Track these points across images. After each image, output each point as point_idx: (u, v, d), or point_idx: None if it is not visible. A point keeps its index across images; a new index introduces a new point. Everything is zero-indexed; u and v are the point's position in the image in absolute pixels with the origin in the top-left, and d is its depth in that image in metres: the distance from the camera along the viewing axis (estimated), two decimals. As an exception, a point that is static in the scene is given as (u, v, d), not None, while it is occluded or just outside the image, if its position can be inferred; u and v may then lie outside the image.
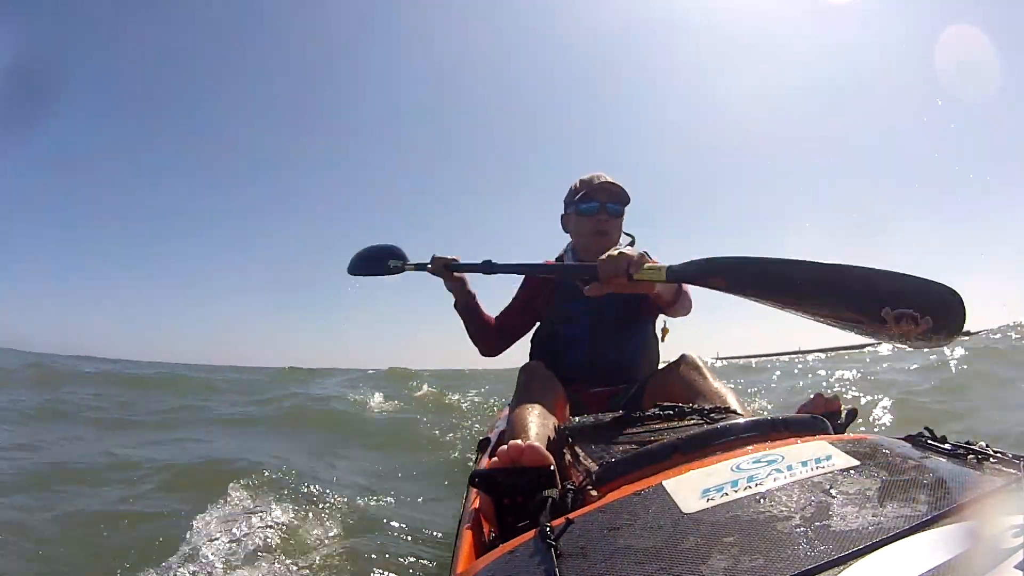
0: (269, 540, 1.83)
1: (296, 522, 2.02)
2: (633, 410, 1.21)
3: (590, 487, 0.82)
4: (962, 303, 0.89)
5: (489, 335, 1.87)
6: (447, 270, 1.76)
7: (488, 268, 1.68)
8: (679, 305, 1.63)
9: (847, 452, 0.69)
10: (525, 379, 1.52)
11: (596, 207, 1.71)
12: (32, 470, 2.83)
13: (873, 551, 0.50)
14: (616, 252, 1.24)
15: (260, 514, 2.03)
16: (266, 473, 2.55)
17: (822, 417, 0.92)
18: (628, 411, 1.20)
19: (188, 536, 1.82)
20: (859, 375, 6.57)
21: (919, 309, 0.89)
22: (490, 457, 1.46)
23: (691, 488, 0.66)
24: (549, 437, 1.19)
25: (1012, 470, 0.65)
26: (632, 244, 1.79)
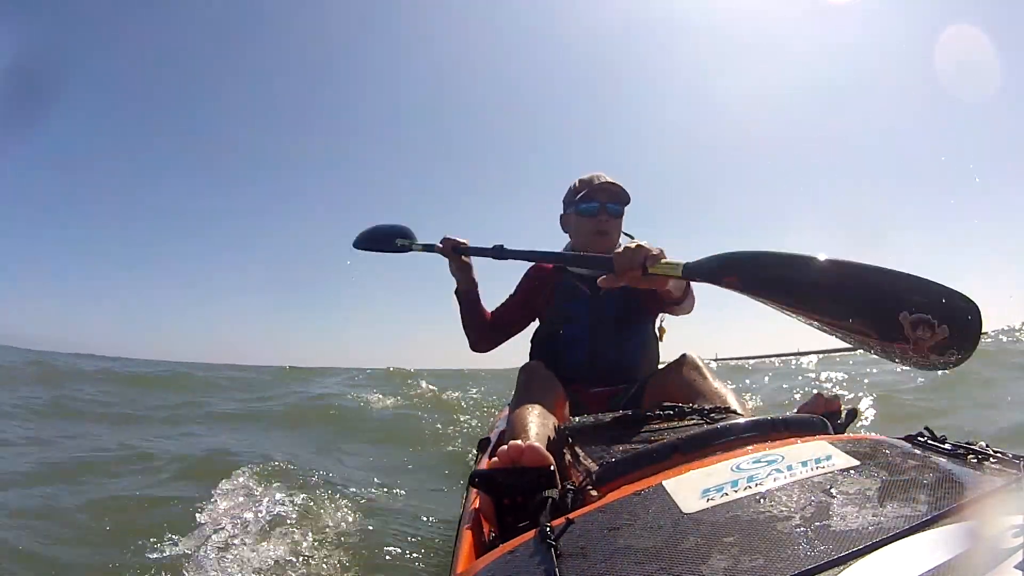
0: (272, 534, 1.89)
1: (298, 519, 2.06)
2: (633, 410, 1.20)
3: (590, 487, 0.82)
4: (979, 314, 0.84)
5: (483, 328, 1.86)
6: (456, 253, 1.75)
7: (499, 253, 1.65)
8: (685, 304, 1.62)
9: (847, 452, 0.69)
10: (525, 379, 1.52)
11: (596, 207, 1.71)
12: (55, 462, 3.03)
13: (873, 551, 0.50)
14: (634, 244, 1.22)
15: (264, 507, 2.12)
16: (270, 467, 2.67)
17: (822, 417, 0.92)
18: (628, 411, 1.20)
19: (201, 519, 1.99)
20: (846, 376, 6.63)
21: (936, 316, 0.84)
22: (490, 457, 1.46)
23: (691, 488, 0.66)
24: (549, 437, 1.19)
25: (1012, 470, 0.65)
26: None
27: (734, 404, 1.26)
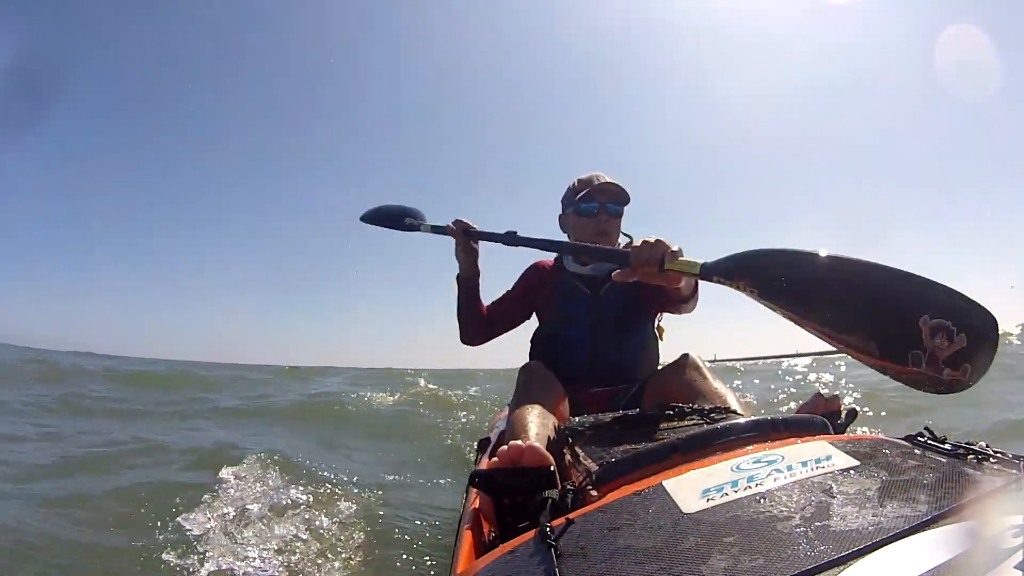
0: (274, 528, 1.98)
1: (300, 516, 2.11)
2: (633, 410, 1.20)
3: (590, 487, 0.82)
4: (997, 328, 0.81)
5: (479, 320, 1.82)
6: (466, 236, 1.70)
7: (511, 239, 1.60)
8: (690, 303, 1.62)
9: (847, 452, 0.69)
10: (525, 379, 1.51)
11: (596, 207, 1.71)
12: (74, 455, 3.25)
13: (873, 551, 0.50)
14: (653, 239, 1.19)
15: (268, 500, 2.26)
16: (274, 460, 2.86)
17: (822, 417, 0.92)
18: (628, 411, 1.20)
19: (213, 505, 2.18)
20: (834, 376, 6.67)
21: (956, 323, 0.82)
22: (490, 457, 1.46)
23: (691, 488, 0.66)
24: (549, 437, 1.19)
25: (1012, 470, 0.65)
26: (630, 244, 1.78)
27: (734, 404, 1.26)
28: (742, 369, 10.95)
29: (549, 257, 1.88)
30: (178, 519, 2.02)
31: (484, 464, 1.55)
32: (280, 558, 1.77)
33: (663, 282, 1.21)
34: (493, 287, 1.88)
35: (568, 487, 0.84)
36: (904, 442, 0.77)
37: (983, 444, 0.72)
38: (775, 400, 5.60)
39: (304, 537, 1.93)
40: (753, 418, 0.88)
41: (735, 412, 1.15)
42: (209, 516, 2.05)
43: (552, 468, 0.88)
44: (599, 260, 1.64)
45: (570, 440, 1.10)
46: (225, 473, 2.58)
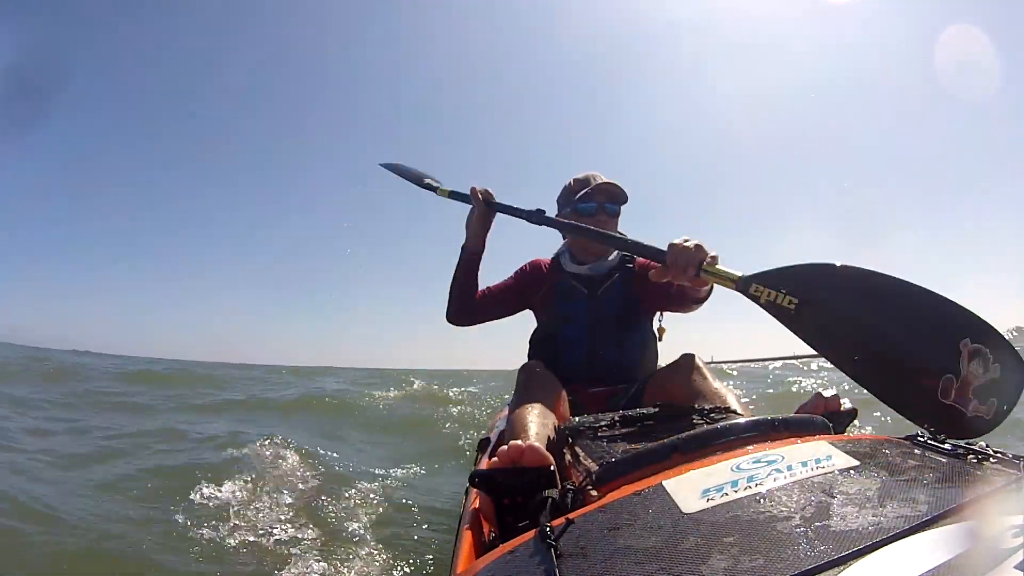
0: (275, 524, 2.13)
1: (302, 514, 2.19)
2: (633, 410, 1.20)
3: (590, 487, 0.82)
4: None
5: (471, 298, 1.77)
6: (488, 205, 1.67)
7: (537, 218, 1.58)
8: (700, 305, 1.63)
9: (847, 452, 0.69)
10: (524, 379, 1.51)
11: (595, 207, 1.71)
12: (101, 444, 3.61)
13: (873, 551, 0.50)
14: (693, 243, 1.18)
15: (277, 490, 2.51)
16: (284, 451, 3.21)
17: (822, 417, 0.92)
18: (628, 411, 1.20)
19: (228, 484, 2.55)
20: (825, 378, 6.69)
21: (993, 351, 0.83)
22: (490, 457, 1.46)
23: (691, 488, 0.66)
24: (549, 437, 1.18)
25: (1012, 470, 0.65)
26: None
27: (734, 404, 1.26)
28: (734, 371, 10.92)
29: (547, 256, 1.88)
30: (198, 495, 2.40)
31: (484, 464, 1.55)
32: (283, 551, 1.82)
33: (695, 284, 1.21)
34: (487, 276, 1.85)
35: (568, 487, 0.84)
36: (904, 442, 0.77)
37: (983, 444, 0.72)
38: (761, 401, 5.64)
39: (306, 536, 1.94)
40: (753, 418, 0.88)
41: (735, 412, 1.15)
42: (229, 494, 2.43)
43: (552, 468, 0.88)
44: (634, 253, 1.61)
45: (570, 440, 1.10)
46: (238, 454, 3.11)
